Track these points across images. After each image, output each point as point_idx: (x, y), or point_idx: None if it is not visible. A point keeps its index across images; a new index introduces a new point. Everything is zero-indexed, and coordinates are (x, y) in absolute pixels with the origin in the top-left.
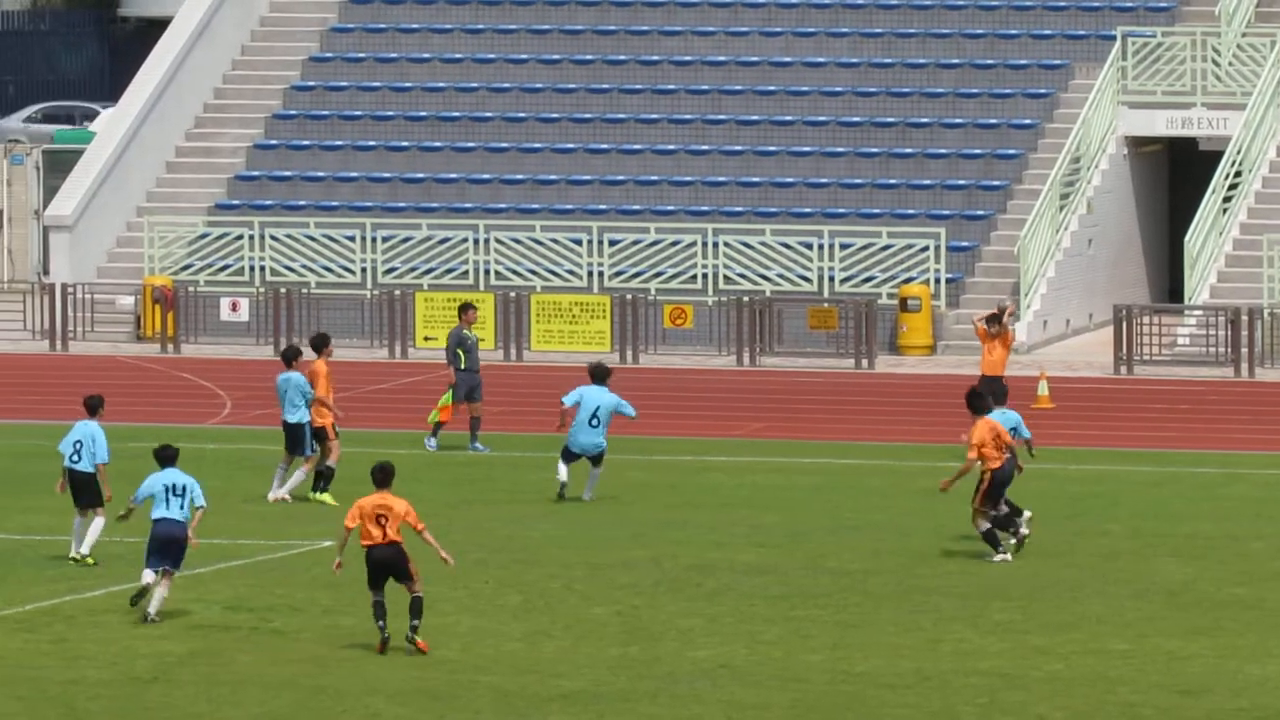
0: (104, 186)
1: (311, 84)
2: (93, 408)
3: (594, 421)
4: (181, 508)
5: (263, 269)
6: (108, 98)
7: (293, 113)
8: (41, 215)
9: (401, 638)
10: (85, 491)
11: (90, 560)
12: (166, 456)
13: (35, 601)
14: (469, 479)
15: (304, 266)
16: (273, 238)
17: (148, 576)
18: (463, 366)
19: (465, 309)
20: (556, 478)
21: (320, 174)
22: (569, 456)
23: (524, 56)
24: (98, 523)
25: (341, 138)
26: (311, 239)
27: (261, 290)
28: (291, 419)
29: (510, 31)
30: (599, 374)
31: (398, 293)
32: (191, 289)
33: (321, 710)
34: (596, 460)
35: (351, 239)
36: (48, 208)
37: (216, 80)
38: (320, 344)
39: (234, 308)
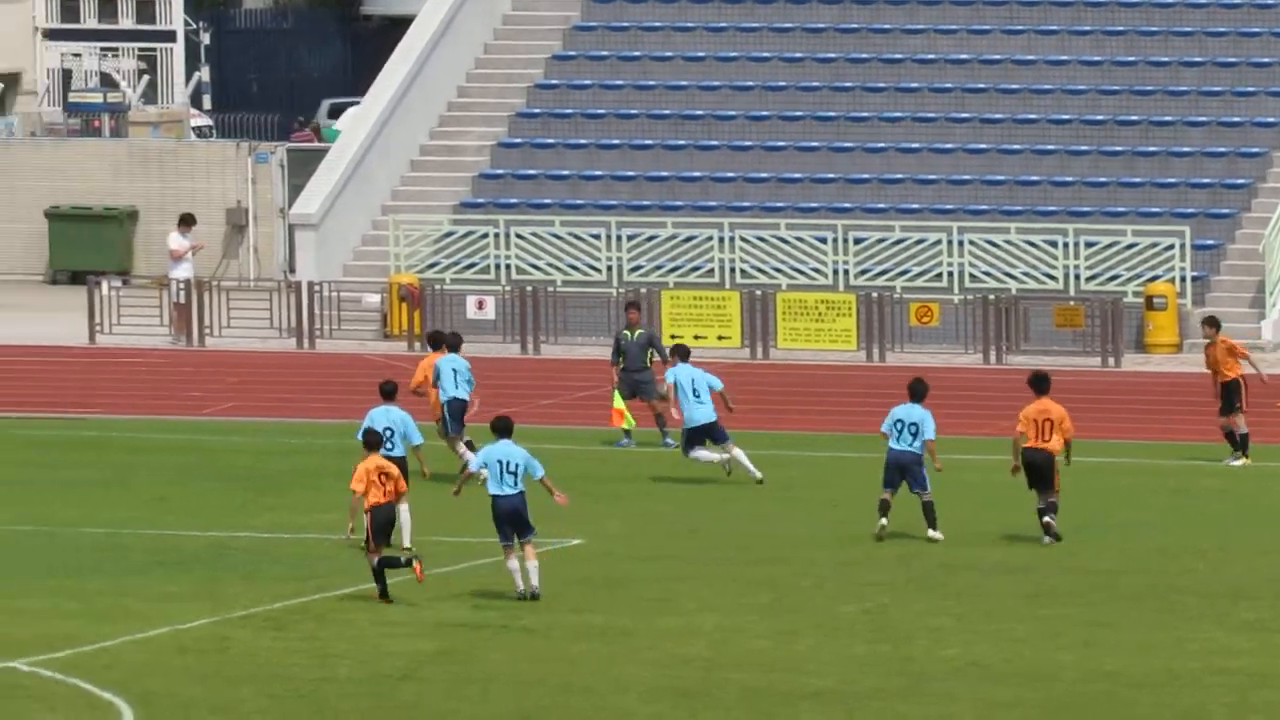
0: (349, 185)
1: (555, 82)
2: (389, 392)
3: (696, 395)
4: (515, 484)
5: (508, 267)
6: (350, 96)
7: (536, 111)
8: (287, 214)
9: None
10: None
11: (413, 551)
12: (502, 428)
13: (285, 600)
14: (718, 477)
15: (549, 265)
16: (518, 236)
17: (512, 563)
18: (623, 366)
19: (626, 308)
20: (706, 463)
21: (564, 172)
22: (695, 439)
23: (766, 55)
24: (406, 511)
25: (585, 136)
26: (557, 237)
27: (507, 288)
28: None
29: (753, 30)
30: (683, 353)
31: (643, 290)
32: (437, 287)
33: (571, 708)
34: (717, 436)
35: (596, 237)
36: (293, 206)
37: (460, 78)
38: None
39: (480, 306)
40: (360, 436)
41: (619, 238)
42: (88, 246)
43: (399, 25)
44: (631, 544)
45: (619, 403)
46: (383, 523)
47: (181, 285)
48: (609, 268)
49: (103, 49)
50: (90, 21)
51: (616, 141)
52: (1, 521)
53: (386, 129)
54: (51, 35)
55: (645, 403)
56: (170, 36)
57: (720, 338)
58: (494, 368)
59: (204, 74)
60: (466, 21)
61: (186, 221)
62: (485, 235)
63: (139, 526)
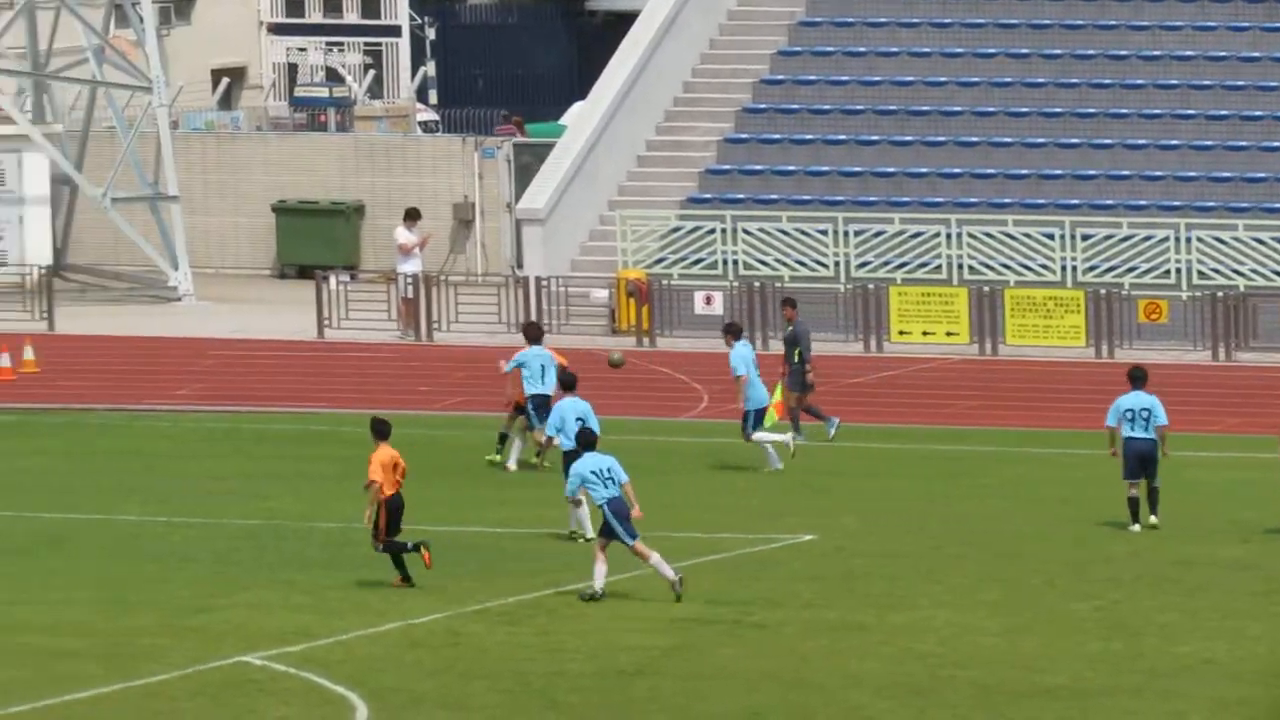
0: (575, 180)
1: (780, 78)
2: (569, 384)
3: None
4: (607, 485)
5: (735, 262)
6: (575, 92)
7: (762, 106)
8: (514, 209)
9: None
10: None
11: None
12: (589, 442)
13: (518, 594)
14: (949, 473)
15: (776, 260)
16: (745, 231)
17: (660, 567)
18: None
19: (782, 305)
20: (786, 444)
21: (791, 168)
22: (759, 420)
23: (992, 50)
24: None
25: (811, 131)
26: (784, 233)
27: (735, 284)
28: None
29: (978, 26)
30: (736, 330)
31: (871, 287)
32: (665, 282)
33: (803, 704)
34: (762, 417)
35: (824, 233)
36: (520, 201)
37: (685, 74)
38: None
39: (708, 301)
40: (373, 426)
41: (846, 233)
42: (315, 241)
43: (624, 21)
44: (863, 540)
45: (778, 395)
46: (394, 511)
47: (409, 280)
48: (836, 263)
49: (328, 43)
50: (315, 16)
51: (843, 137)
52: (234, 516)
53: (613, 124)
54: (277, 30)
55: (797, 396)
56: (396, 31)
57: (948, 334)
58: (721, 363)
59: (430, 69)
60: (691, 17)
61: (412, 216)
62: (712, 230)
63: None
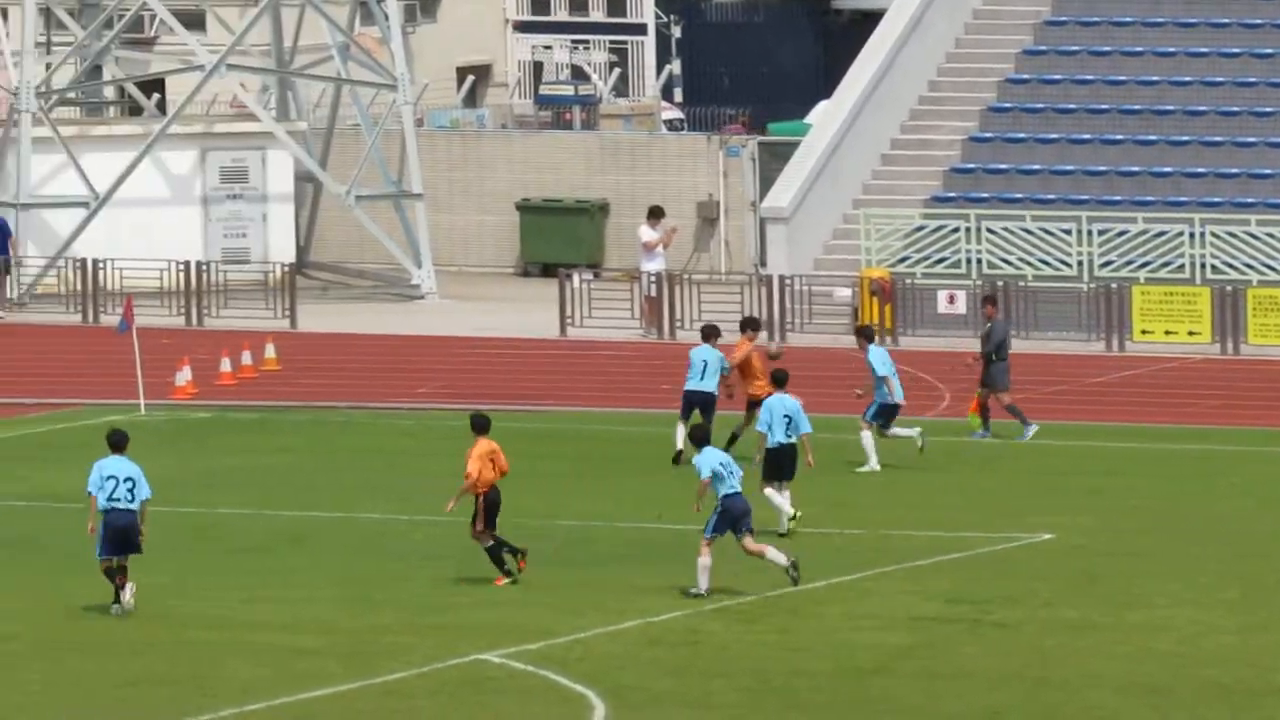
0: (820, 179)
1: (1025, 77)
2: (781, 380)
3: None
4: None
5: (979, 262)
6: (820, 91)
7: (1007, 105)
8: (758, 207)
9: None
10: (790, 464)
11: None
12: (699, 438)
13: (757, 592)
14: (1189, 473)
15: (1020, 259)
16: (989, 230)
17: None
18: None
19: (983, 303)
20: (904, 437)
21: (1035, 167)
22: (893, 416)
23: (1236, 50)
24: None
25: (1056, 131)
26: (1027, 232)
27: (978, 283)
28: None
29: (1222, 26)
30: (869, 334)
31: (1114, 286)
32: (908, 281)
33: (1044, 703)
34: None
35: (1067, 232)
36: (764, 199)
37: (931, 73)
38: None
39: (950, 300)
40: (472, 420)
41: (1089, 233)
42: (559, 239)
43: (870, 19)
44: (1102, 539)
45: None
46: (491, 505)
47: (653, 278)
48: (1079, 263)
49: (574, 41)
50: (561, 14)
51: (1087, 136)
52: (414, 512)
53: (857, 123)
54: (522, 28)
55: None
56: (641, 29)
57: (1190, 333)
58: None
59: (675, 67)
60: (936, 17)
61: (656, 214)
62: (956, 229)
63: (609, 519)
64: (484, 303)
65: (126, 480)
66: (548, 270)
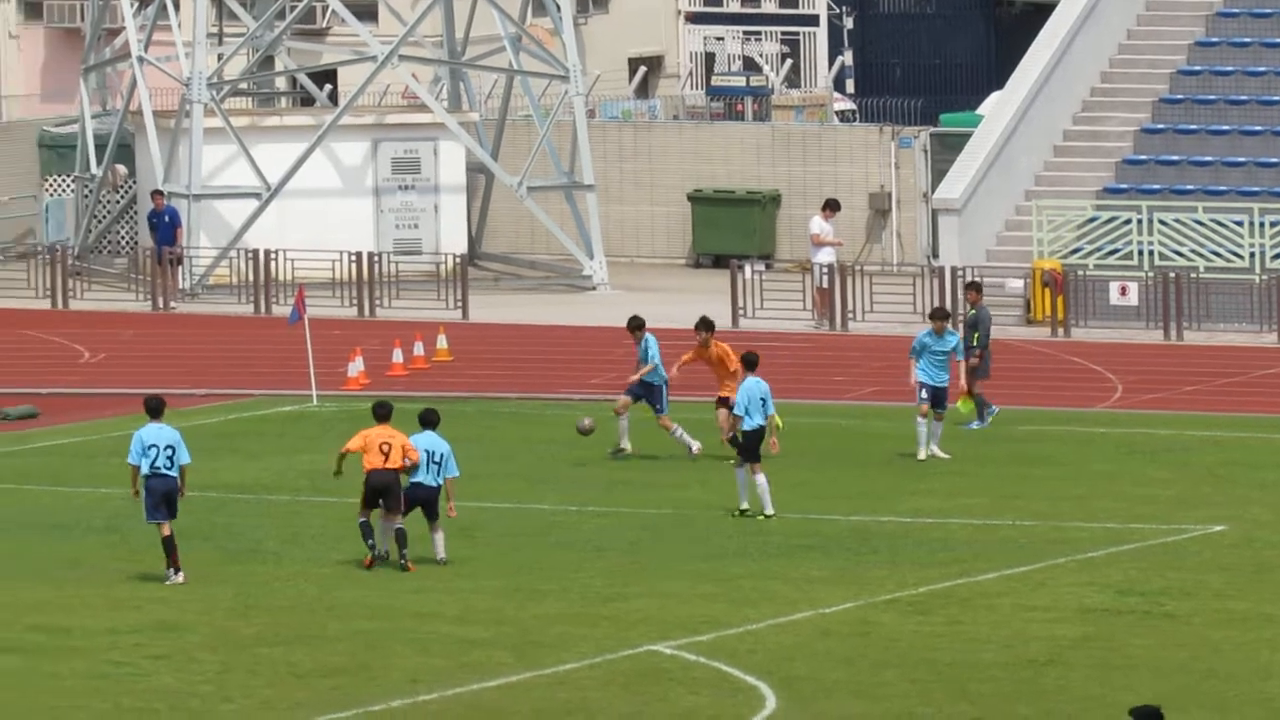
0: (992, 170)
1: (1198, 68)
2: (752, 363)
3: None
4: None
5: (1151, 253)
6: (992, 82)
7: (1179, 97)
8: (930, 198)
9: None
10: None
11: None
12: None
13: (929, 584)
14: None
15: (1192, 251)
16: (1160, 222)
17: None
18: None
19: (966, 289)
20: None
21: (1207, 159)
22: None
23: None
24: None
25: (1228, 122)
26: (1199, 224)
27: (1150, 274)
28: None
29: None
30: (940, 313)
31: None
32: (1080, 273)
33: (1214, 694)
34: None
35: (1239, 224)
36: (936, 191)
37: (1103, 64)
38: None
39: (1123, 292)
40: (374, 409)
41: (1261, 224)
42: (730, 230)
43: (1042, 11)
44: (1274, 531)
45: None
46: (378, 490)
47: (824, 270)
48: (1251, 254)
49: (745, 32)
50: (733, 5)
51: (1259, 128)
52: (645, 505)
53: (1029, 114)
54: (694, 19)
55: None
56: (814, 21)
57: None
58: (1136, 354)
59: (847, 58)
60: (1109, 8)
61: (830, 207)
62: (1128, 221)
63: (782, 510)
64: (655, 294)
65: (167, 448)
66: (719, 261)
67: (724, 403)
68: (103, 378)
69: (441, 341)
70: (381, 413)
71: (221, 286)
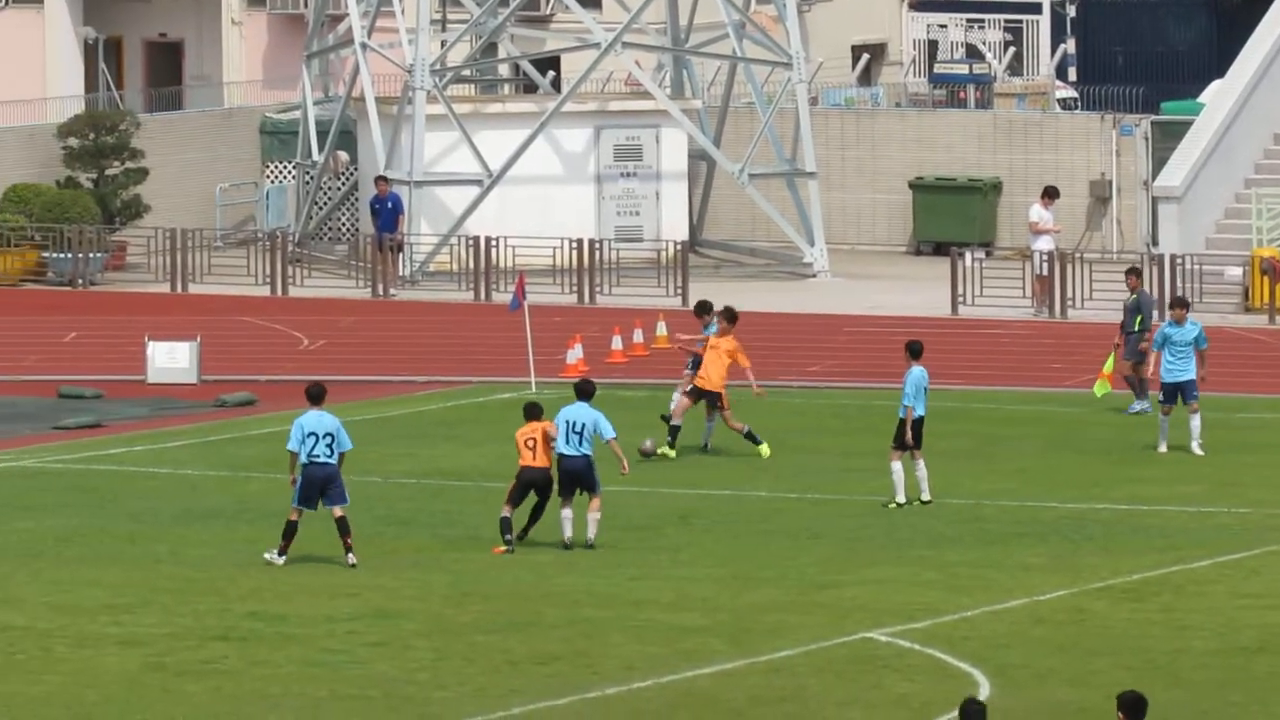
0: (1212, 158)
1: None
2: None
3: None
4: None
5: None
6: (1214, 70)
7: None
8: (1150, 186)
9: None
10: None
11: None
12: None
13: (1143, 571)
14: None
15: None
16: None
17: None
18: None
19: (1126, 274)
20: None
21: None
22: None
23: None
24: None
25: None
26: None
27: None
28: None
29: None
30: (1180, 302)
31: None
32: None
33: None
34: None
35: None
36: (1156, 179)
37: None
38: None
39: None
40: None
41: None
42: (951, 218)
43: (1263, 0)
44: None
45: (1108, 367)
46: (527, 484)
47: (1044, 257)
48: None
49: (969, 20)
50: None
51: None
52: (864, 492)
53: (1251, 102)
54: (917, 6)
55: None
56: (1036, 8)
57: None
58: None
59: (1069, 46)
60: None
61: (1049, 194)
62: None
63: (999, 498)
64: (876, 281)
65: (325, 436)
66: (939, 249)
67: (699, 393)
68: (321, 365)
69: (661, 328)
70: (533, 412)
71: (442, 273)
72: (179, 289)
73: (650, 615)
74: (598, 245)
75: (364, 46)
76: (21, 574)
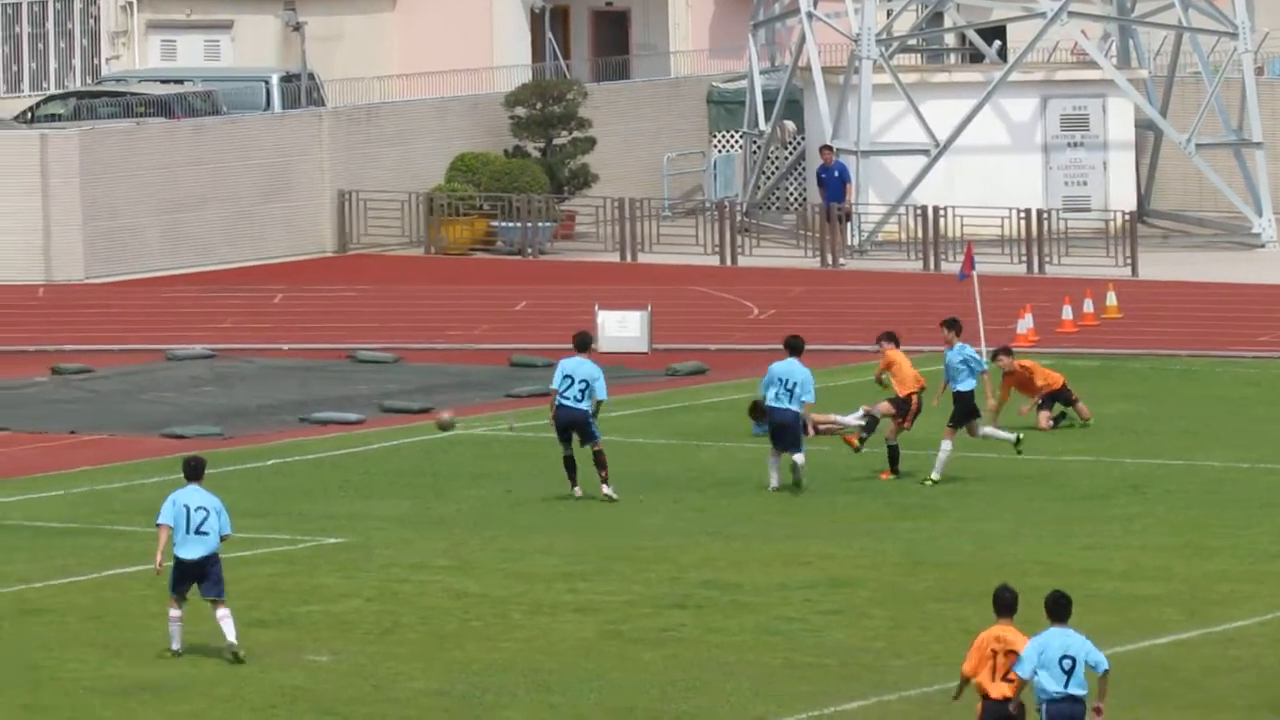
0: None
1: None
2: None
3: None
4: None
5: None
6: None
7: None
8: None
9: None
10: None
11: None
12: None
13: None
14: None
15: None
16: None
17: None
18: None
19: None
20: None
21: None
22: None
23: None
24: None
25: None
26: None
27: None
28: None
29: None
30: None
31: None
32: None
33: None
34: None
35: None
36: None
37: None
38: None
39: None
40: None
41: None
42: None
43: None
44: None
45: None
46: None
47: None
48: None
49: None
50: None
51: None
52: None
53: None
54: None
55: None
56: None
57: None
58: None
59: None
60: None
61: None
62: None
63: None
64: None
65: (581, 381)
66: None
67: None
68: (771, 334)
69: (1111, 298)
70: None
71: (890, 243)
72: (628, 258)
73: (1101, 585)
74: (1046, 215)
75: (810, 16)
76: (474, 540)
